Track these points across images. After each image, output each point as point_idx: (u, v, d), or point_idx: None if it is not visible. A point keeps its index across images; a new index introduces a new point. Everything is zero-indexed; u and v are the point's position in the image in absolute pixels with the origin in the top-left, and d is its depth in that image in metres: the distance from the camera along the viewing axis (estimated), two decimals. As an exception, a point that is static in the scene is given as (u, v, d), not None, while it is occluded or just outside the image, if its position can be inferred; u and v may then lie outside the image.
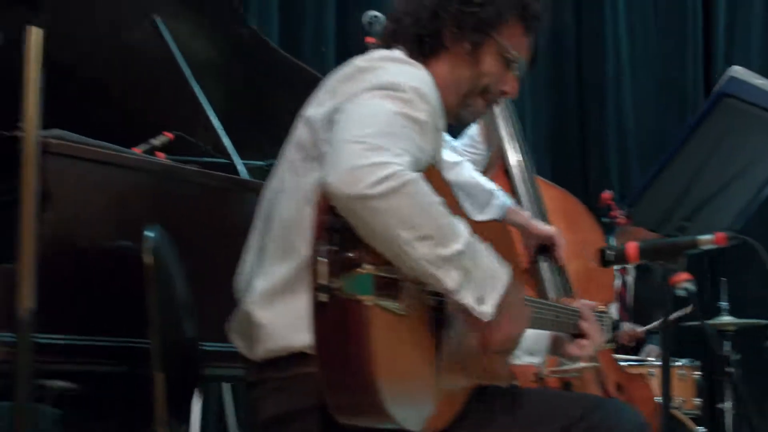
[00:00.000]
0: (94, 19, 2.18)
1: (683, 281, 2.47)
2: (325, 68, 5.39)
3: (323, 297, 2.08)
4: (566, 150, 6.88)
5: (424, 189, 2.07)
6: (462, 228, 2.14)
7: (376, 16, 3.95)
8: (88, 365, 2.65)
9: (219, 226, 3.10)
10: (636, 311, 6.50)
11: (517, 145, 3.83)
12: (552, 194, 3.82)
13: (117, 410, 2.86)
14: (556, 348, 2.87)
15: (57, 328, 2.52)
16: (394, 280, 2.14)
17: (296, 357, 2.29)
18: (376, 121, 2.15)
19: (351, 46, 6.40)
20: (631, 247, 2.55)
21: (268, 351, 2.35)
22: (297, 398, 2.31)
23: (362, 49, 5.70)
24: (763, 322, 5.36)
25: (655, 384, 4.59)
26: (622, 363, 4.20)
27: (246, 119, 3.87)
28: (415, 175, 2.06)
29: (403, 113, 2.19)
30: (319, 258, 2.09)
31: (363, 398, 2.06)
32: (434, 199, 2.10)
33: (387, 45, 2.59)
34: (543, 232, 3.17)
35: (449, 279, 2.11)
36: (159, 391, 2.43)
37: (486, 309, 2.18)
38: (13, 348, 2.51)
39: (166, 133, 3.58)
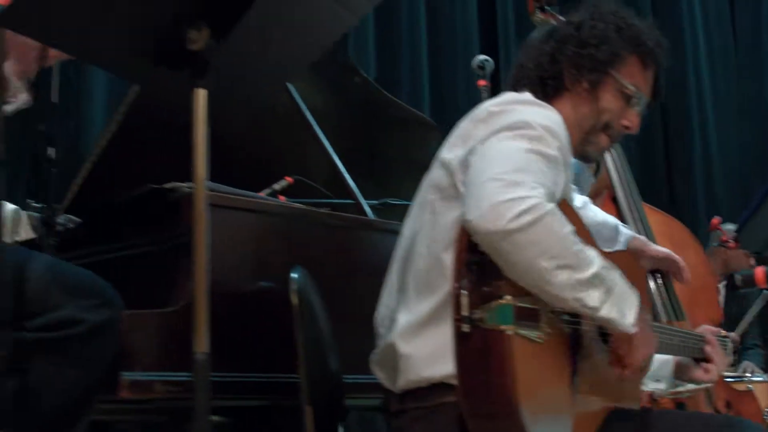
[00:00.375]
0: (241, 84, 2.27)
1: None
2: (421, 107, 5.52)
3: (466, 327, 2.16)
4: (653, 177, 6.88)
5: (560, 219, 2.16)
6: (594, 253, 2.23)
7: (486, 60, 4.03)
8: (241, 400, 2.74)
9: (349, 263, 3.14)
10: (726, 327, 6.46)
11: (622, 173, 3.84)
12: (657, 219, 3.83)
13: None
14: (680, 373, 2.91)
15: (213, 367, 2.61)
16: (533, 310, 2.22)
17: (437, 387, 2.36)
18: (510, 158, 2.24)
19: (444, 86, 6.53)
20: (760, 272, 2.59)
21: (410, 382, 2.42)
22: (439, 427, 2.37)
23: (452, 88, 5.78)
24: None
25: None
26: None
27: (355, 159, 3.88)
28: (550, 206, 2.15)
29: (535, 150, 2.27)
30: (461, 291, 2.18)
31: (506, 424, 2.13)
32: (569, 229, 2.18)
33: (514, 89, 2.65)
34: (661, 254, 3.05)
35: (591, 299, 2.19)
36: (309, 423, 2.47)
37: (629, 321, 2.26)
38: (175, 386, 2.60)
39: (287, 178, 3.67)
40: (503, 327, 2.13)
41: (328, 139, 3.76)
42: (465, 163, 2.37)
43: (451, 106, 6.16)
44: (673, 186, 6.84)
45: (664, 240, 3.81)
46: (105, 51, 2.11)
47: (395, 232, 3.02)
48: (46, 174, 2.48)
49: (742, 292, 4.06)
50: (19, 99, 2.53)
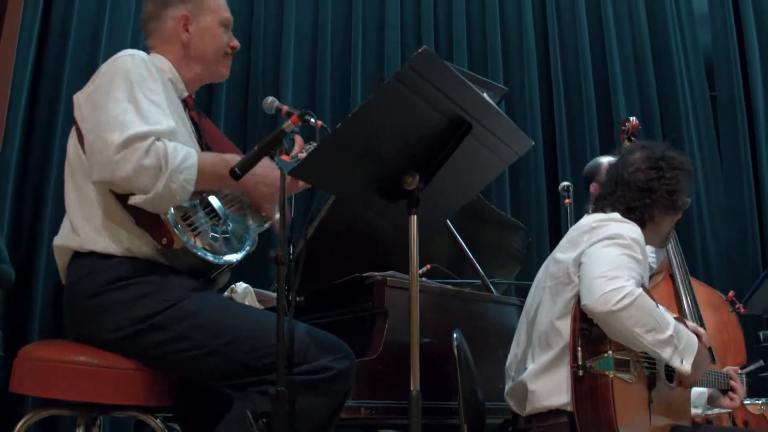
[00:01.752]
0: (432, 210, 2.42)
1: None
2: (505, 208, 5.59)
3: (580, 372, 2.35)
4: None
5: (646, 298, 2.36)
6: (670, 318, 2.42)
7: (568, 186, 4.22)
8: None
9: (481, 326, 3.23)
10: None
11: (677, 255, 3.90)
12: (702, 290, 3.86)
13: None
14: (712, 401, 3.05)
15: (398, 395, 2.72)
16: (626, 360, 2.40)
17: (553, 412, 2.54)
18: (610, 261, 2.44)
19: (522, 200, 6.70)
20: None
21: (535, 408, 2.58)
22: None
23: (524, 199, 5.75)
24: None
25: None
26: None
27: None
28: (639, 290, 2.35)
29: (626, 254, 2.47)
30: (579, 348, 2.38)
31: None
32: (652, 303, 2.38)
33: (603, 206, 2.76)
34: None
35: (665, 353, 2.38)
36: None
37: (687, 367, 2.43)
38: (372, 410, 2.72)
39: (428, 266, 3.80)
40: (606, 372, 2.33)
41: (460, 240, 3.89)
42: (577, 261, 2.58)
43: (526, 210, 6.34)
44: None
45: (706, 305, 3.95)
46: (353, 190, 2.28)
47: (510, 304, 3.22)
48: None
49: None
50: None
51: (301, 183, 2.62)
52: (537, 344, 2.63)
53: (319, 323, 2.87)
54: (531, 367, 2.62)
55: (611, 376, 2.34)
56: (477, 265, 3.72)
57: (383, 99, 2.07)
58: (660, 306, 2.50)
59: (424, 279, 3.64)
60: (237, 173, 2.29)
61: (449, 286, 3.35)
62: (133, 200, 2.27)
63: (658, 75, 7.23)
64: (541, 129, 6.84)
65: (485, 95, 2.29)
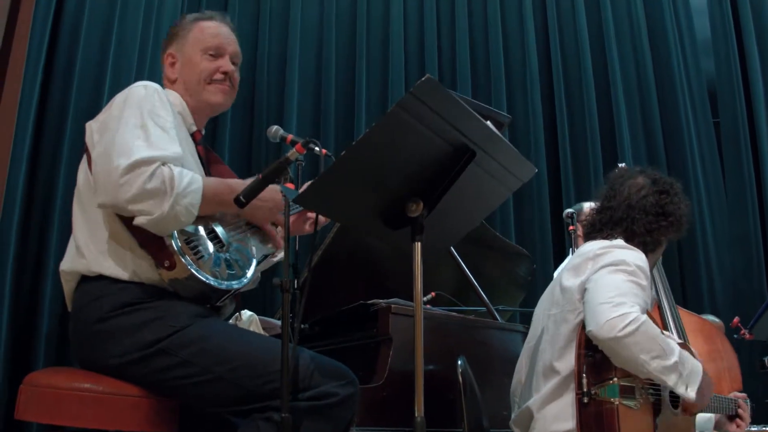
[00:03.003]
0: (435, 237, 2.45)
1: None
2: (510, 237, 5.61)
3: (586, 399, 2.36)
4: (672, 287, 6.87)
5: (652, 325, 2.38)
6: (675, 345, 2.44)
7: (573, 212, 4.25)
8: None
9: (486, 352, 3.24)
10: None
11: (664, 284, 3.86)
12: (691, 320, 3.86)
13: None
14: (719, 426, 3.06)
15: (403, 422, 2.72)
16: (631, 387, 2.41)
17: None
18: (615, 287, 2.46)
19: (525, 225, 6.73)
20: None
21: None
22: None
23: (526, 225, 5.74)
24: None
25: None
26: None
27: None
28: (644, 317, 2.37)
29: (631, 280, 2.49)
30: (583, 374, 2.39)
31: None
32: (657, 330, 2.39)
33: (602, 230, 2.81)
34: None
35: (670, 380, 2.40)
36: None
37: (691, 394, 2.44)
38: None
39: (432, 293, 3.85)
40: (612, 399, 2.34)
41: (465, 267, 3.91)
42: (581, 288, 2.60)
43: (530, 238, 6.36)
44: (686, 294, 6.85)
45: (696, 334, 3.95)
46: (357, 217, 2.30)
47: (514, 331, 3.23)
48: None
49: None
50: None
51: (307, 227, 2.72)
52: (541, 372, 2.64)
53: (324, 350, 2.91)
54: (536, 395, 2.63)
55: (617, 403, 2.34)
56: (481, 292, 3.74)
57: (386, 126, 2.10)
58: (664, 332, 2.51)
59: (428, 306, 3.65)
60: (242, 201, 2.34)
61: (453, 314, 3.36)
62: (138, 221, 2.33)
63: (661, 102, 7.28)
64: (545, 156, 6.88)
65: (488, 123, 2.32)
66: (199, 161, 2.68)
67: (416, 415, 2.17)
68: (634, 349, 2.35)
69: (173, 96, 2.71)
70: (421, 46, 7.02)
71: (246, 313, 3.41)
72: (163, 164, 2.35)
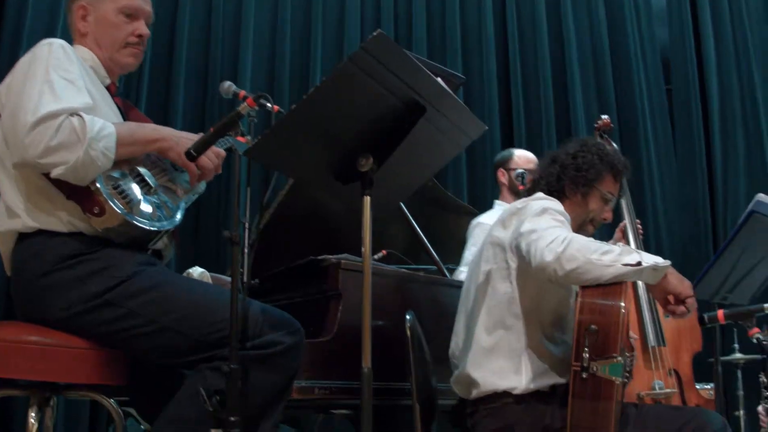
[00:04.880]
0: (386, 192, 2.46)
1: (756, 333, 2.63)
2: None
3: (584, 374, 2.31)
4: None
5: (580, 236, 2.44)
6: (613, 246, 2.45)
7: (523, 172, 4.28)
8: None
9: (435, 308, 3.27)
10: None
11: (632, 217, 4.19)
12: None
13: (384, 428, 3.01)
14: None
15: (351, 376, 2.75)
16: (628, 363, 2.41)
17: (499, 395, 2.60)
18: (543, 226, 2.50)
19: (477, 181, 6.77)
20: (720, 313, 2.73)
21: (481, 392, 2.62)
22: (500, 420, 2.60)
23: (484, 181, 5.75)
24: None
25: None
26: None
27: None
28: (573, 234, 2.43)
29: (556, 219, 2.54)
30: (585, 348, 2.34)
31: None
32: (587, 238, 2.47)
33: (533, 190, 2.87)
34: None
35: (631, 259, 2.38)
36: (416, 415, 2.60)
37: (665, 261, 2.44)
38: (326, 390, 2.77)
39: (383, 251, 3.86)
40: (614, 378, 2.31)
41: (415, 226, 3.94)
42: (511, 241, 2.62)
43: (483, 198, 6.38)
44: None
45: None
46: (307, 171, 2.33)
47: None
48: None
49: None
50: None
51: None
52: (477, 331, 2.66)
53: (275, 306, 2.89)
54: (472, 354, 2.65)
55: (618, 382, 2.30)
56: (431, 249, 3.76)
57: (337, 80, 2.11)
58: None
59: (379, 263, 3.66)
60: (192, 154, 2.33)
61: (404, 270, 3.38)
62: (56, 172, 2.30)
63: (615, 68, 7.32)
64: (499, 118, 6.90)
65: (439, 80, 2.33)
66: (118, 111, 2.66)
67: (363, 366, 2.19)
68: (581, 257, 2.36)
69: (83, 51, 2.66)
70: (378, 8, 6.98)
71: (197, 270, 3.39)
72: (71, 115, 2.31)
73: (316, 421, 4.39)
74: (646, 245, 6.61)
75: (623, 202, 4.21)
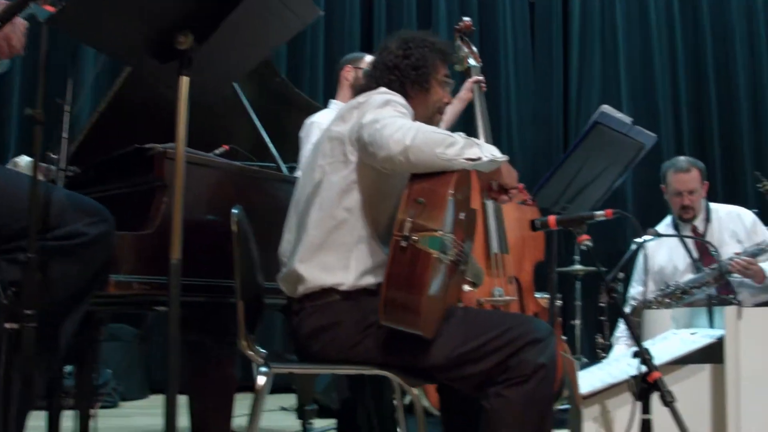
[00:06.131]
0: (213, 75, 2.29)
1: (585, 240, 2.61)
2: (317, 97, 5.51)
3: (404, 243, 2.22)
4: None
5: (423, 126, 2.34)
6: (457, 136, 2.37)
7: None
8: (195, 297, 2.75)
9: (272, 206, 3.13)
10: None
11: (483, 109, 4.22)
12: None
13: (211, 326, 2.93)
14: None
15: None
16: (448, 242, 2.34)
17: (326, 291, 2.49)
18: (385, 116, 2.39)
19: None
20: (552, 218, 2.68)
21: (307, 288, 2.52)
22: (327, 317, 2.48)
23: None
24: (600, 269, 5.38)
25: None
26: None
27: (271, 133, 3.89)
28: (418, 123, 2.34)
29: (398, 110, 2.43)
30: (407, 218, 2.25)
31: (409, 310, 2.22)
32: (434, 128, 2.38)
33: (371, 85, 2.72)
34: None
35: (473, 153, 2.33)
36: (240, 313, 2.50)
37: (502, 156, 2.41)
38: (146, 286, 2.61)
39: (224, 146, 3.70)
40: (431, 251, 2.24)
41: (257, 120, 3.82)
42: (351, 133, 2.50)
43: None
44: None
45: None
46: (121, 47, 2.13)
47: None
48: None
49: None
50: None
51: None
52: (309, 227, 2.54)
53: (99, 197, 2.70)
54: (301, 249, 2.54)
55: (435, 255, 2.22)
56: (270, 144, 3.60)
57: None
58: None
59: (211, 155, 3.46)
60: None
61: (236, 163, 3.22)
62: None
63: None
64: (360, 18, 6.75)
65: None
66: None
67: (172, 258, 2.09)
68: (427, 149, 2.28)
69: None
70: None
71: (24, 159, 3.15)
72: None
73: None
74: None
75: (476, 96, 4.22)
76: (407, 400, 3.46)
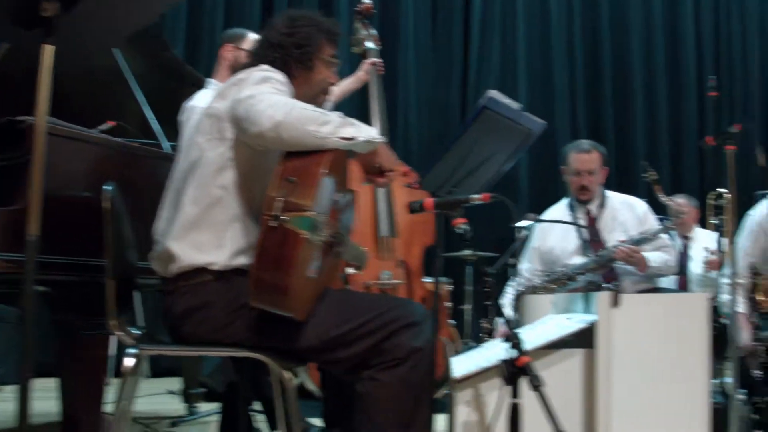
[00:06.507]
0: (76, 44, 2.22)
1: (461, 223, 2.60)
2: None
3: (273, 223, 2.17)
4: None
5: (298, 103, 2.31)
6: (332, 115, 2.35)
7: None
8: (63, 276, 2.70)
9: (150, 183, 3.06)
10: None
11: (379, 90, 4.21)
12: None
13: (81, 306, 2.83)
14: None
15: (44, 250, 2.44)
16: (320, 223, 2.30)
17: (197, 271, 2.43)
18: (261, 92, 2.34)
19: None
20: (428, 201, 2.66)
21: (180, 268, 2.47)
22: (199, 297, 2.43)
23: None
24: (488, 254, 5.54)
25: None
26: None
27: (162, 111, 3.80)
28: (292, 101, 2.31)
29: (276, 87, 2.39)
30: (278, 197, 2.19)
31: (278, 291, 2.19)
32: (311, 106, 2.34)
33: (254, 63, 2.66)
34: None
35: (347, 132, 2.31)
36: (110, 292, 2.45)
37: (380, 138, 2.41)
38: (12, 263, 2.54)
39: (110, 122, 3.57)
40: (301, 231, 2.18)
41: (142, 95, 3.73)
42: (229, 110, 2.43)
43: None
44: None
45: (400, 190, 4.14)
46: None
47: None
48: None
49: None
50: None
51: None
52: (184, 204, 2.48)
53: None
54: (175, 228, 2.48)
55: (304, 236, 2.17)
56: (153, 119, 3.51)
57: None
58: None
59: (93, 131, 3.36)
60: None
61: (113, 139, 3.12)
62: None
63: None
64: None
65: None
66: None
67: (29, 234, 2.08)
68: (300, 126, 2.24)
69: None
70: None
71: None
72: None
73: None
74: (394, 145, 6.67)
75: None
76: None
